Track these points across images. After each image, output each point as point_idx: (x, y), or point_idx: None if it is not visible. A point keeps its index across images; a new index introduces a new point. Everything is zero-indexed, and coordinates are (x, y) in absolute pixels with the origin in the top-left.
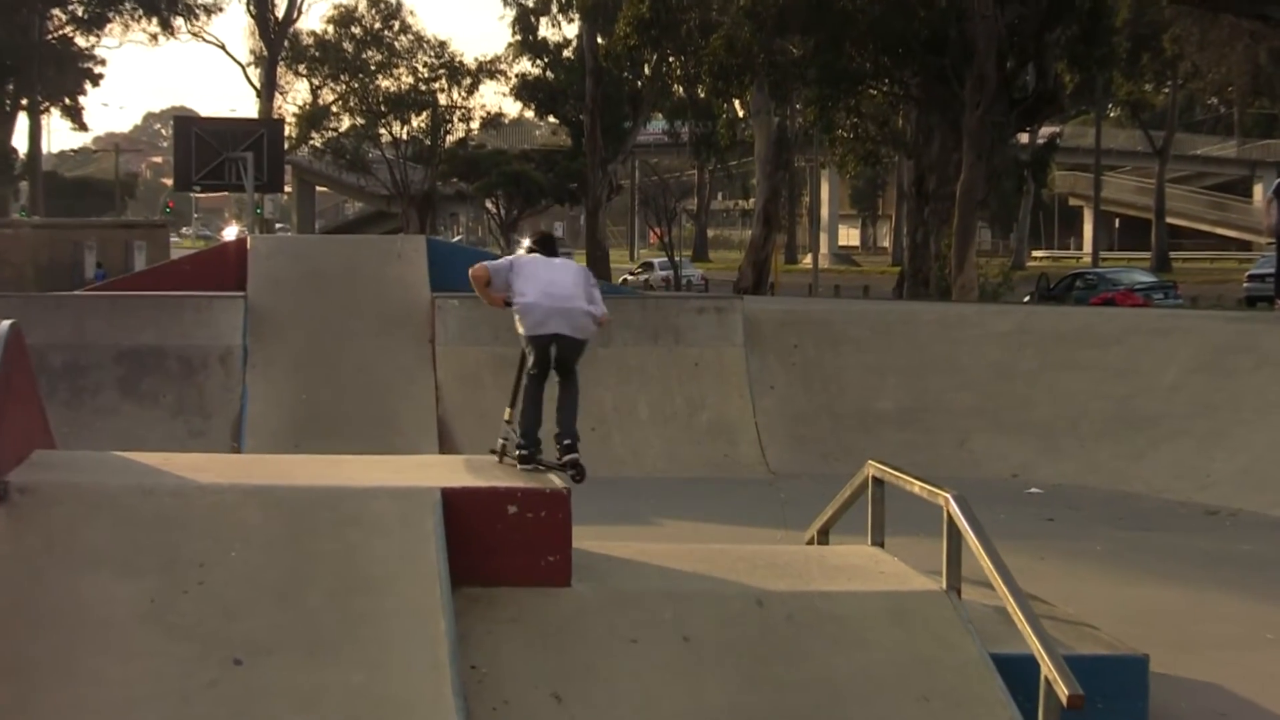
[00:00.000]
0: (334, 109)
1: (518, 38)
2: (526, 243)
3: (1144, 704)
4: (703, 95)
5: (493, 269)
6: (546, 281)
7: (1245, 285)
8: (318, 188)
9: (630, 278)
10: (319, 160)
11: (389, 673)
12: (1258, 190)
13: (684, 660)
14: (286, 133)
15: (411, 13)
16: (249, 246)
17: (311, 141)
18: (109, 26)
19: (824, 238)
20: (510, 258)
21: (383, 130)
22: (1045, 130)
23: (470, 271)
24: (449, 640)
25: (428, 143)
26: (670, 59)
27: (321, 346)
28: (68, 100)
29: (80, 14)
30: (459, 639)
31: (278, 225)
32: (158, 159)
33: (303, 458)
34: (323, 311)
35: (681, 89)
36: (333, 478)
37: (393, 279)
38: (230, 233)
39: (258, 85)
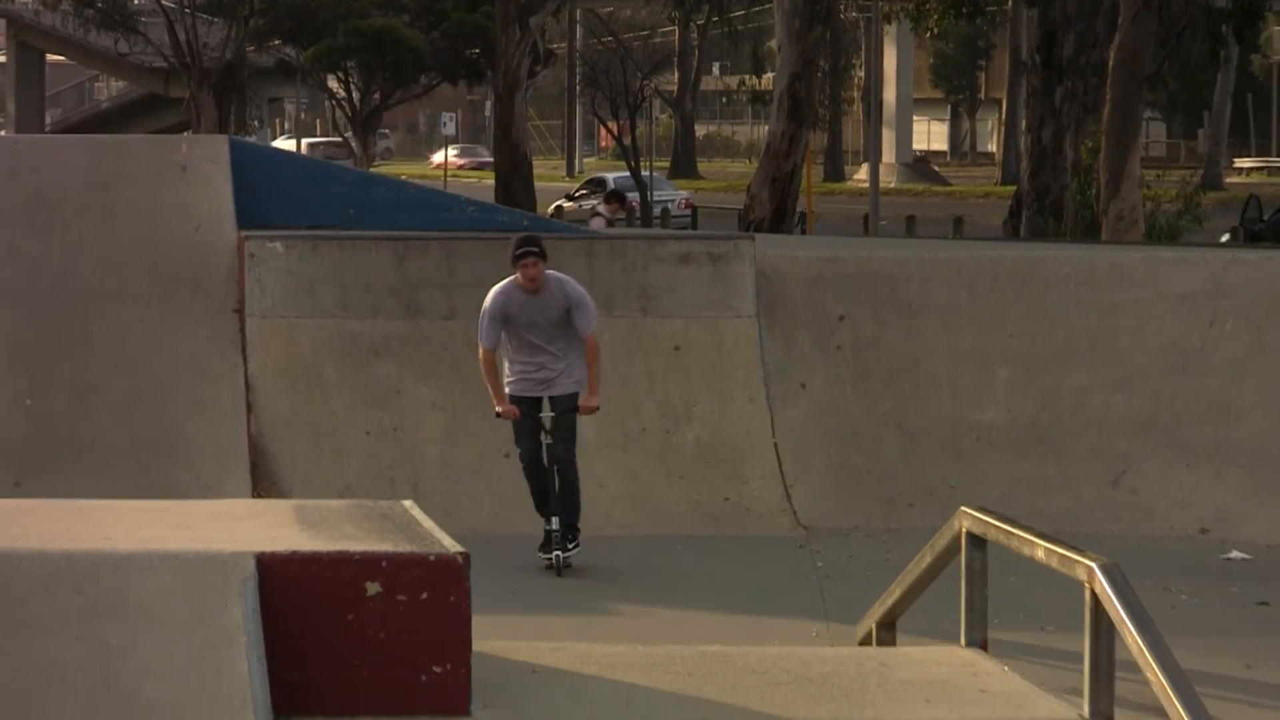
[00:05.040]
0: None
1: None
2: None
3: None
4: None
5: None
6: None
7: None
8: (50, 57)
9: (568, 205)
10: (51, 10)
11: None
12: None
13: None
14: None
15: None
16: None
17: None
18: None
19: (889, 138)
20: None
21: None
22: None
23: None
24: None
25: None
26: None
27: (57, 321)
28: None
29: None
30: None
31: None
32: None
33: (27, 504)
34: (59, 262)
35: None
36: (77, 538)
37: (174, 208)
38: None
39: None
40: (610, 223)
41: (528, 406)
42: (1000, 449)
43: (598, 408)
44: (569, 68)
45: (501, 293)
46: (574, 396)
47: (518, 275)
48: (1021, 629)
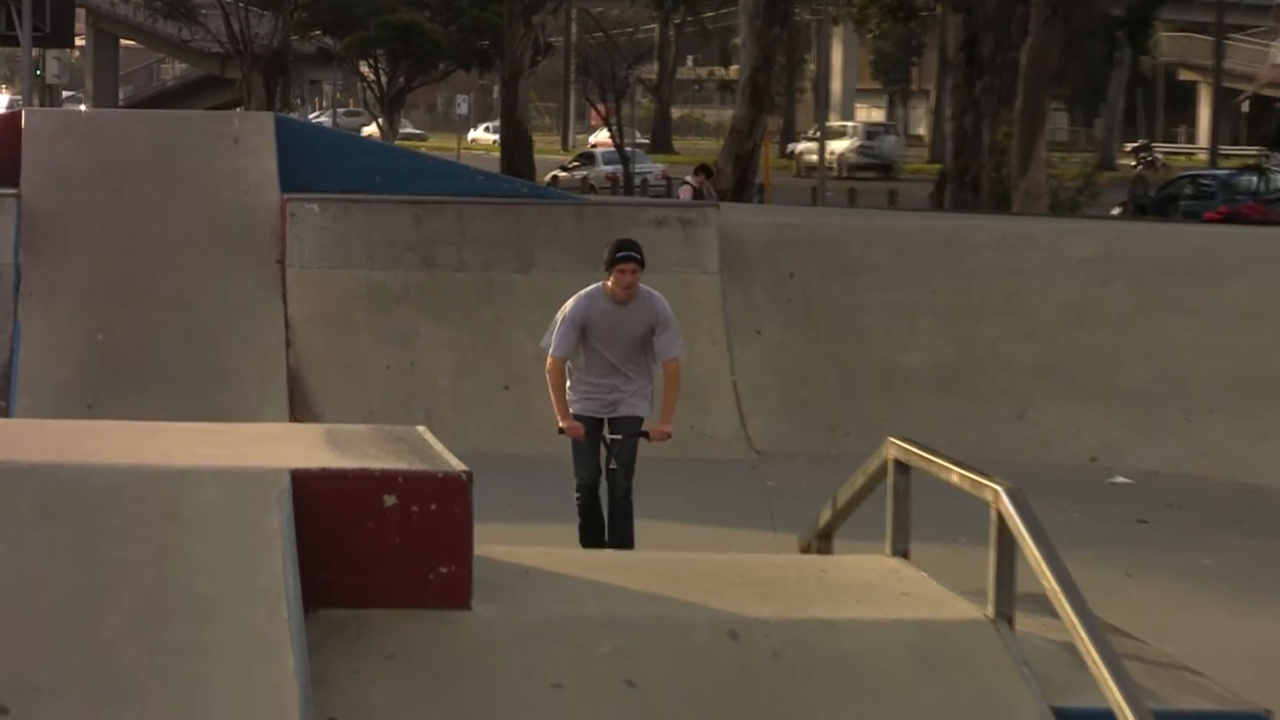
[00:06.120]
0: None
1: None
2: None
3: None
4: None
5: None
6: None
7: None
8: (123, 41)
9: (563, 174)
10: (125, 2)
11: None
12: None
13: (627, 713)
14: None
15: None
16: (24, 124)
17: None
18: None
19: (836, 122)
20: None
21: None
22: None
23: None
24: (299, 684)
25: None
26: None
27: (125, 268)
28: None
29: None
30: (314, 682)
31: (66, 94)
32: None
33: (98, 424)
34: (128, 219)
35: None
36: (139, 454)
37: (226, 173)
38: None
39: None
40: (697, 191)
41: (589, 428)
42: (924, 388)
43: (670, 435)
44: (565, 58)
45: (586, 298)
46: (638, 420)
47: (609, 282)
48: (939, 541)
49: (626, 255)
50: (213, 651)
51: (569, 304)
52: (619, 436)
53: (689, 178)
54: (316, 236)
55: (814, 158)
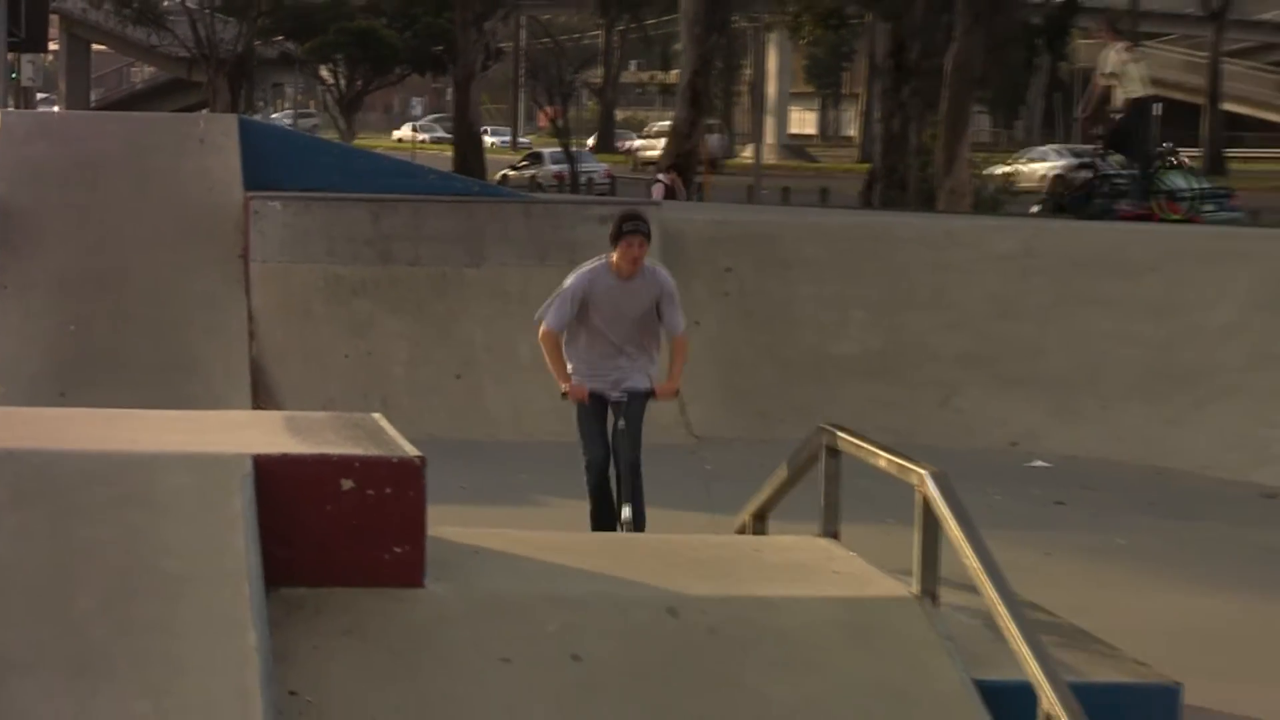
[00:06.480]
0: None
1: None
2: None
3: None
4: None
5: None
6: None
7: None
8: (94, 46)
9: (512, 173)
10: (96, 9)
11: (181, 700)
12: None
13: (573, 686)
14: None
15: None
16: (0, 125)
17: None
18: None
19: (770, 123)
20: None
21: None
22: None
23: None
24: (260, 658)
25: None
26: None
27: (96, 263)
28: None
29: None
30: (275, 657)
31: (40, 96)
32: None
33: (69, 412)
34: (99, 215)
35: None
36: (109, 440)
37: (193, 172)
38: None
39: None
40: (669, 188)
41: (593, 403)
42: (855, 376)
43: (676, 393)
44: (515, 63)
45: (589, 273)
46: (642, 392)
47: (613, 256)
48: (868, 522)
49: (633, 228)
50: (179, 628)
51: (570, 278)
52: (625, 399)
53: (661, 175)
54: (279, 232)
55: (650, 153)
